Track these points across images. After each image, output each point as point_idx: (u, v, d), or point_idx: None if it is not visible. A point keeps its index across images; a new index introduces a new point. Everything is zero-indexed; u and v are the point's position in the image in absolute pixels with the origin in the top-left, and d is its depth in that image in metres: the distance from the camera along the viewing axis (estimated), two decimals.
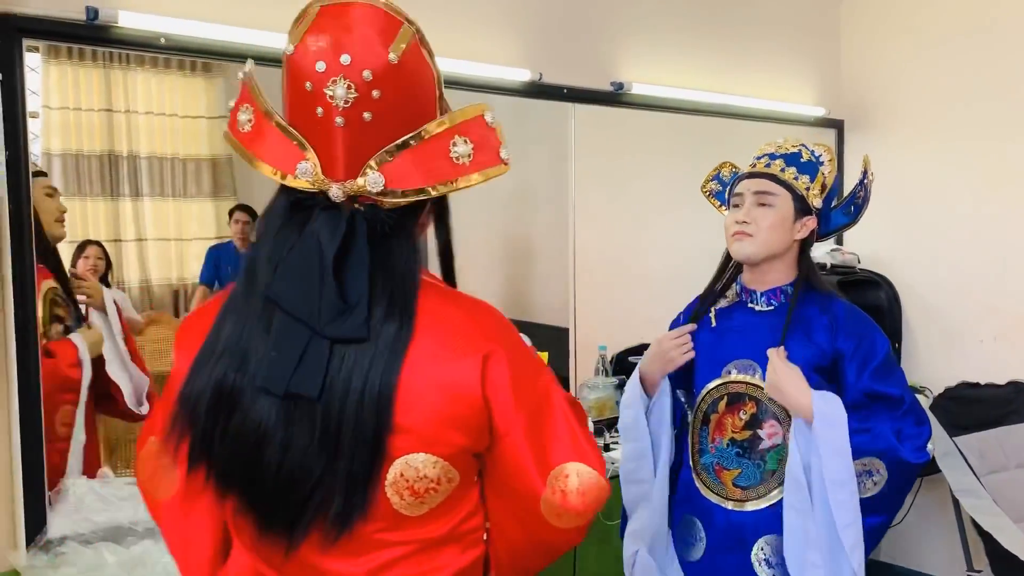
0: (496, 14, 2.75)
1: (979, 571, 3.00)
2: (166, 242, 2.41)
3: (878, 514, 1.78)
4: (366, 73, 1.04)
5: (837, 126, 3.88)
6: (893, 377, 1.80)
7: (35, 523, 1.80)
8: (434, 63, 1.12)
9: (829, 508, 1.68)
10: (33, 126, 1.91)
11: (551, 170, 3.20)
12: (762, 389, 1.78)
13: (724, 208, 2.03)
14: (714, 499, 1.84)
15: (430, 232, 1.24)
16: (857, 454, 1.71)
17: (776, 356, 1.74)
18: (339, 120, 1.05)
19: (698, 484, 1.87)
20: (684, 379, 1.95)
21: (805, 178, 1.83)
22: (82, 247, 2.24)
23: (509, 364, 1.11)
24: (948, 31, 3.55)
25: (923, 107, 3.62)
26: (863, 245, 3.68)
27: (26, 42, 1.83)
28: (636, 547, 1.91)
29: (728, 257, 1.94)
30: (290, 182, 1.09)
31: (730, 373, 1.84)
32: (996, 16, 3.40)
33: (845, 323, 1.80)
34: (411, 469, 1.08)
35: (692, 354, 1.88)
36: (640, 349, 3.15)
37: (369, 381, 1.04)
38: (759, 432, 1.80)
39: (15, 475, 1.79)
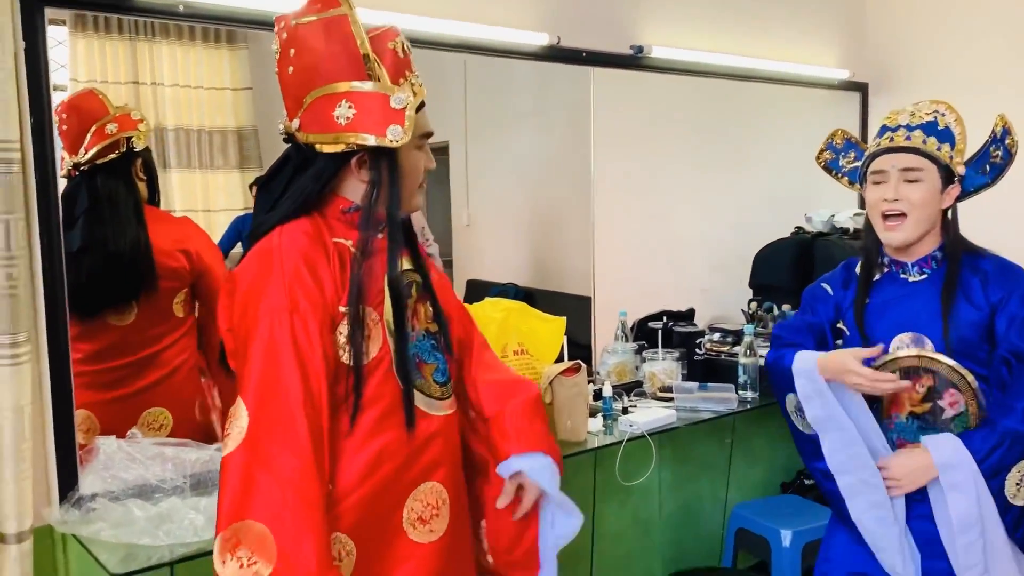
0: None
1: None
2: (193, 213, 2.43)
3: None
4: (284, 34, 1.38)
5: (861, 89, 3.83)
6: None
7: (67, 481, 1.85)
8: (360, 42, 1.35)
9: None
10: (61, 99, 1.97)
11: (571, 136, 3.20)
12: (938, 361, 1.78)
13: (843, 178, 2.02)
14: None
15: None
16: (1001, 471, 1.70)
17: (884, 464, 1.79)
18: (275, 71, 1.41)
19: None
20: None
21: (946, 146, 1.80)
22: None
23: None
24: None
25: (950, 69, 3.55)
26: None
27: (48, 12, 1.85)
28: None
29: (871, 235, 1.90)
30: None
31: (899, 348, 1.82)
32: None
33: (995, 277, 1.79)
34: None
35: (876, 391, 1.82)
36: (660, 316, 3.16)
37: None
38: (939, 403, 1.79)
39: (47, 436, 1.84)
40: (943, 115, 1.83)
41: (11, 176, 1.65)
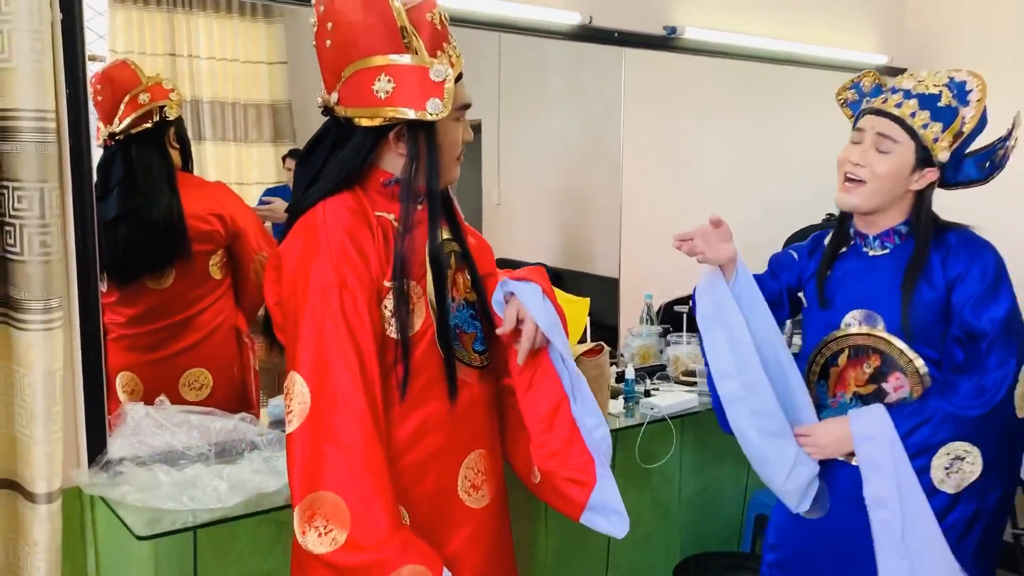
0: None
1: None
2: (227, 185, 2.47)
3: (990, 493, 1.65)
4: (321, 7, 1.38)
5: (900, 75, 3.76)
6: (993, 305, 1.65)
7: (96, 445, 1.89)
8: (397, 14, 1.34)
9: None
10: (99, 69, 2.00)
11: (602, 118, 3.18)
12: (887, 342, 1.71)
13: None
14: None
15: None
16: (926, 451, 1.62)
17: (810, 430, 1.72)
18: (313, 44, 1.41)
19: None
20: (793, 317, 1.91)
21: (937, 126, 1.68)
22: None
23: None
24: None
25: (992, 54, 3.47)
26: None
27: None
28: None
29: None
30: None
31: (850, 325, 1.77)
32: None
33: (957, 250, 1.70)
34: None
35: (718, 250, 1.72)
36: (686, 299, 3.14)
37: None
38: (883, 386, 1.74)
39: (78, 400, 1.88)
40: (957, 90, 1.71)
41: (47, 145, 1.68)
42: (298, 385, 1.31)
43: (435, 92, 1.32)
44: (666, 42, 2.97)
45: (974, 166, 1.76)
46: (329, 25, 1.36)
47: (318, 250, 1.33)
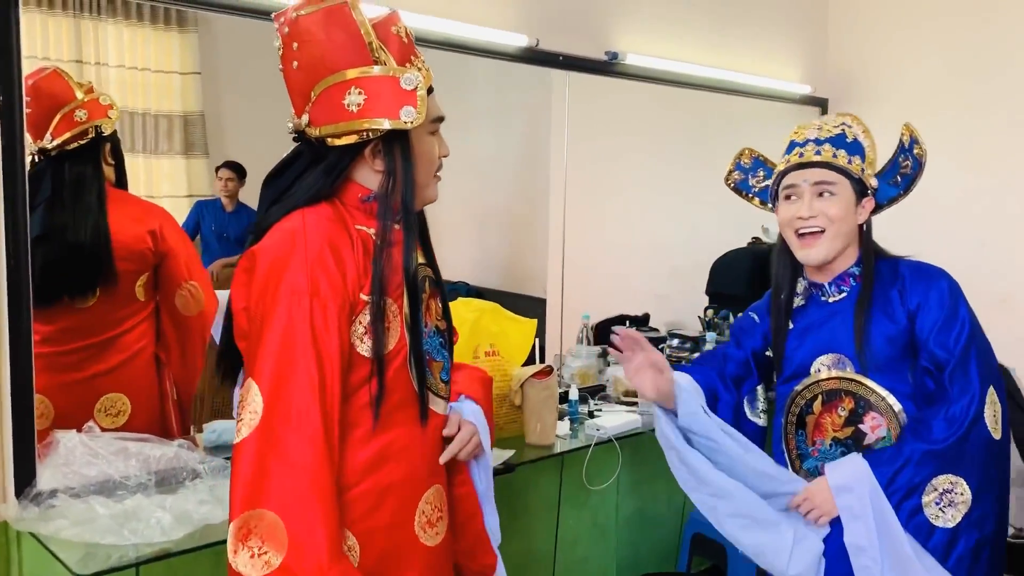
0: None
1: None
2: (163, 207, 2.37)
3: (987, 519, 1.66)
4: (285, 29, 1.34)
5: (821, 104, 3.92)
6: (952, 332, 1.68)
7: (24, 476, 1.78)
8: (364, 29, 1.33)
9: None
10: None
11: (530, 138, 3.21)
12: (858, 383, 1.73)
13: (754, 199, 1.96)
14: None
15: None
16: (913, 491, 1.63)
17: (800, 501, 1.72)
18: (280, 68, 1.38)
19: None
20: (766, 380, 1.91)
21: (856, 159, 1.74)
22: None
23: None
24: (933, 11, 3.59)
25: (906, 86, 3.67)
26: None
27: None
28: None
29: (786, 254, 1.83)
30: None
31: (820, 371, 1.78)
32: None
33: (910, 282, 1.73)
34: None
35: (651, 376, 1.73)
36: (622, 320, 3.19)
37: None
38: (861, 427, 1.74)
39: (4, 428, 1.76)
40: (850, 127, 1.78)
41: None
42: (253, 393, 1.24)
43: (408, 100, 1.30)
44: (608, 67, 3.02)
45: (886, 184, 1.82)
46: (295, 45, 1.33)
47: (294, 254, 1.28)
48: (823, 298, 1.81)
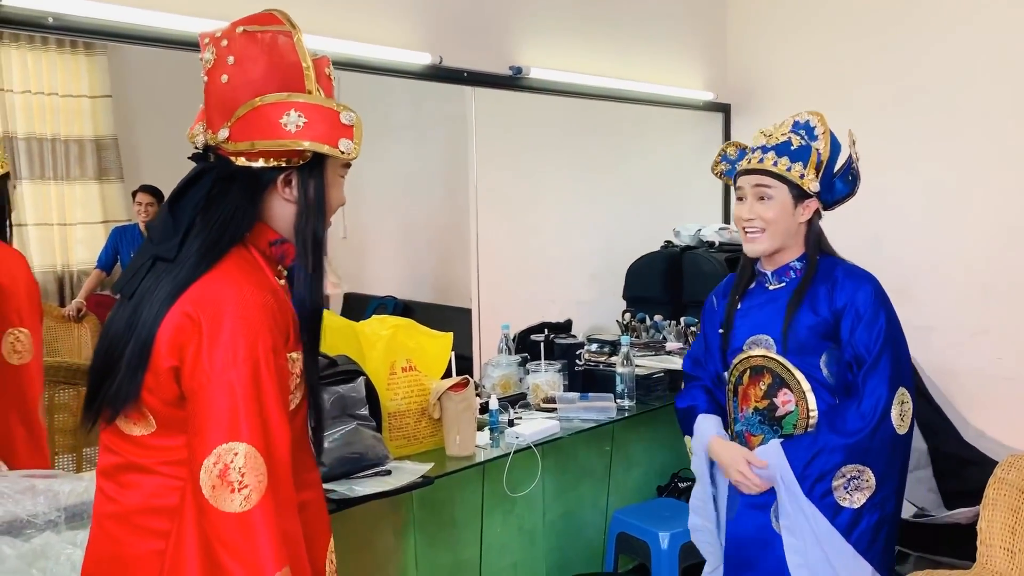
0: None
1: None
2: (48, 227, 2.32)
3: (888, 502, 1.89)
4: (224, 41, 1.31)
5: (724, 110, 4.06)
6: (870, 334, 1.89)
7: None
8: (305, 63, 1.32)
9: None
10: None
11: (450, 150, 3.24)
12: (776, 360, 1.93)
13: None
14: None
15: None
16: (824, 476, 1.86)
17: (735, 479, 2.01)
18: (202, 77, 1.33)
19: None
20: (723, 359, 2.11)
21: (798, 165, 1.93)
22: None
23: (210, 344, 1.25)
24: (826, 20, 3.76)
25: (802, 92, 3.82)
26: None
27: None
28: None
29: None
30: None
31: (750, 348, 1.98)
32: (869, 5, 3.62)
33: (840, 284, 1.94)
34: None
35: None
36: (541, 328, 3.24)
37: (160, 290, 1.26)
38: (774, 400, 1.95)
39: None
40: (803, 130, 1.99)
41: None
42: (247, 458, 1.21)
43: (346, 134, 1.31)
44: (512, 81, 3.09)
45: (842, 183, 2.01)
46: (231, 59, 1.30)
47: (249, 317, 1.26)
48: (767, 285, 2.03)
